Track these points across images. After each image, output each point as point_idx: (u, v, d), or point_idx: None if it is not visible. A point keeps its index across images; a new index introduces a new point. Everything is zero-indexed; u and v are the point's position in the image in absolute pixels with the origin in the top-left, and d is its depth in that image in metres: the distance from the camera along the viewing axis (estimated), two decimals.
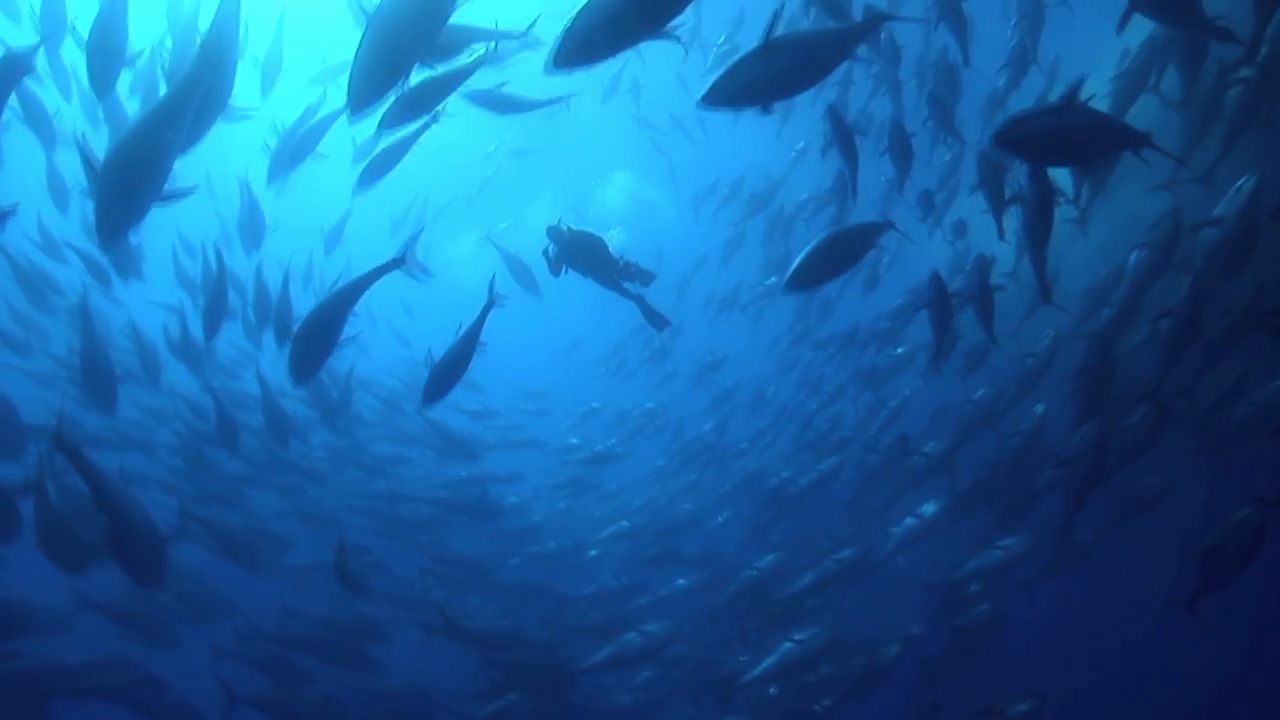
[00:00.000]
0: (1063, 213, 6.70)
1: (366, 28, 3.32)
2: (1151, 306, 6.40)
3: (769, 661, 7.63)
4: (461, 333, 4.95)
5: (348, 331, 4.60)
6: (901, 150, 6.10)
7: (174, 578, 7.66)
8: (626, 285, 5.87)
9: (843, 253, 4.24)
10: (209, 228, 9.64)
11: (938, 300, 5.17)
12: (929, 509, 8.46)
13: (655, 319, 5.93)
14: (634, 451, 14.36)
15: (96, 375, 6.09)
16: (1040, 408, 7.84)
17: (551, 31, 3.18)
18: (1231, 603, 5.39)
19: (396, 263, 4.41)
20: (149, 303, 9.10)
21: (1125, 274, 6.59)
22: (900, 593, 8.90)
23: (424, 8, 3.36)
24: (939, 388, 9.44)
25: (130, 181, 3.52)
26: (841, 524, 9.69)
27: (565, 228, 5.79)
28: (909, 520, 8.44)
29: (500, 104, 6.04)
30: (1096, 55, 7.47)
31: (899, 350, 10.45)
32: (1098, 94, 6.89)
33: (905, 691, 8.41)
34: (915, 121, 6.67)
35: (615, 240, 6.00)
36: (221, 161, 8.82)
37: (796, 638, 7.58)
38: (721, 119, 13.32)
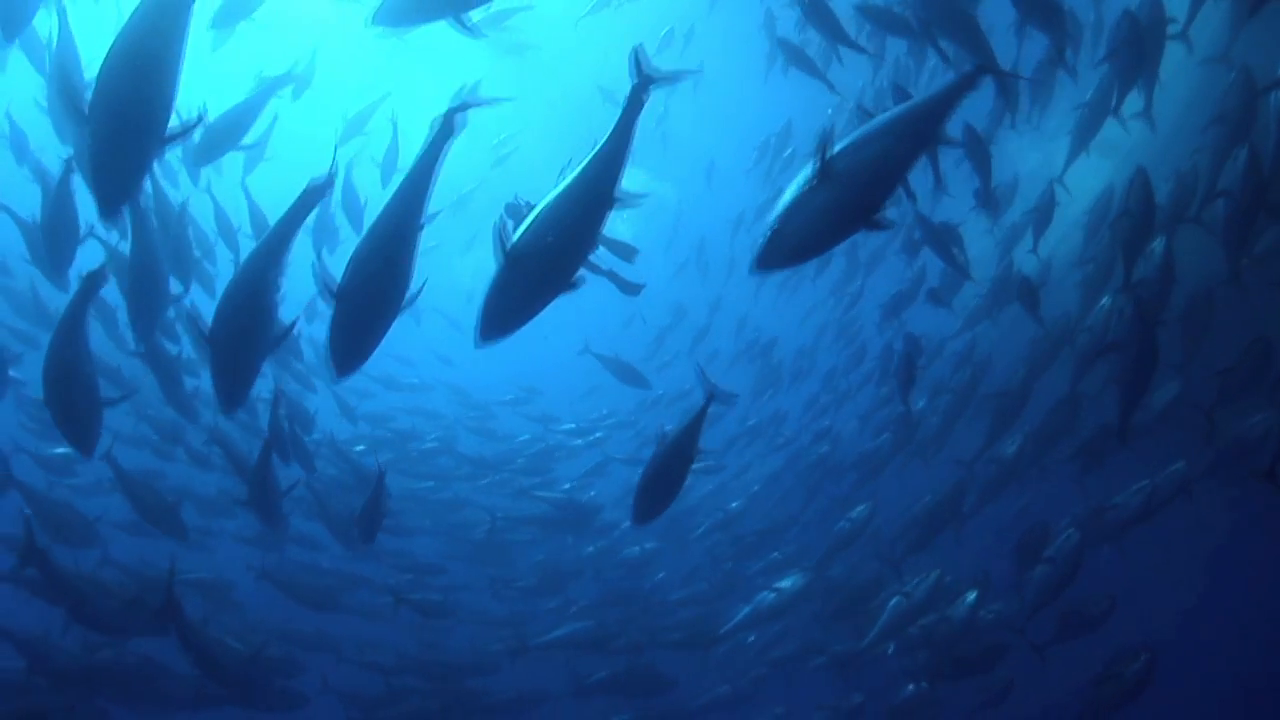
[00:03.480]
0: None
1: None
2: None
3: (883, 619, 7.58)
4: (368, 495, 5.82)
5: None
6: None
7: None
8: (594, 260, 5.59)
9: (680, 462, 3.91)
10: None
11: None
12: (1009, 450, 8.05)
13: (627, 287, 5.70)
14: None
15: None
16: (1106, 300, 7.35)
17: None
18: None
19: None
20: None
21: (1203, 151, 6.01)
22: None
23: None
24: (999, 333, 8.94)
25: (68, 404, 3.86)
26: (921, 479, 9.29)
27: (524, 203, 5.54)
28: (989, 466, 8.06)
29: None
30: None
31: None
32: None
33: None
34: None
35: (622, 232, 5.74)
36: None
37: (904, 590, 7.43)
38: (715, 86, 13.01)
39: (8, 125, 7.27)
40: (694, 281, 14.66)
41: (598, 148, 2.86)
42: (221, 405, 3.52)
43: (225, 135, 5.89)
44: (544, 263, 2.78)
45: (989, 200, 6.75)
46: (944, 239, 6.76)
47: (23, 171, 7.08)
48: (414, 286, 3.06)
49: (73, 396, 3.84)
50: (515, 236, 2.77)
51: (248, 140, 6.75)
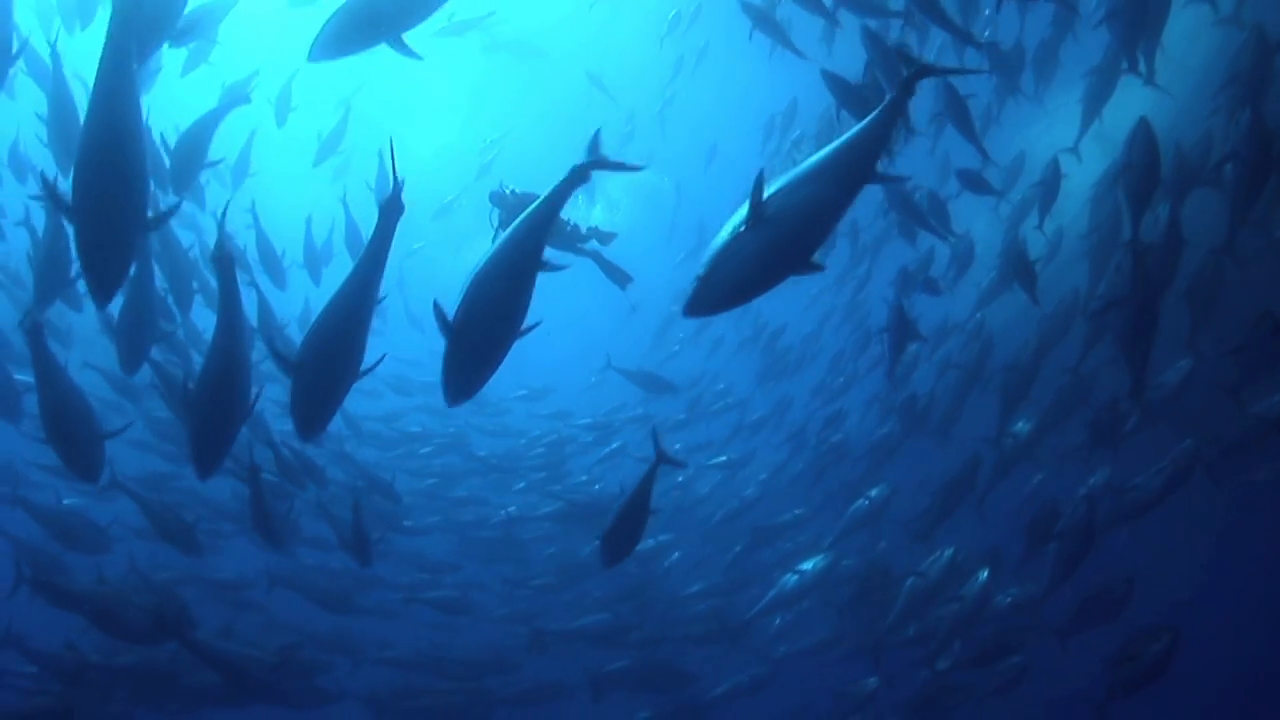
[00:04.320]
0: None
1: None
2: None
3: (901, 601, 7.62)
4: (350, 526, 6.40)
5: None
6: None
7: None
8: (582, 245, 5.64)
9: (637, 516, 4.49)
10: None
11: None
12: (1023, 427, 7.96)
13: (616, 275, 5.72)
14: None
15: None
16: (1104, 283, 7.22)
17: None
18: None
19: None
20: None
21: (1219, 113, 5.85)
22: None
23: None
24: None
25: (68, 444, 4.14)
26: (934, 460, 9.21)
27: (508, 191, 5.55)
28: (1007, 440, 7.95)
29: None
30: None
31: None
32: None
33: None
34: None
35: (598, 217, 5.75)
36: None
37: (918, 570, 7.45)
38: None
39: (8, 150, 7.32)
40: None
41: (525, 214, 2.96)
42: (197, 471, 3.71)
43: (192, 156, 5.85)
44: (484, 331, 2.91)
45: (982, 174, 6.68)
46: (912, 206, 6.68)
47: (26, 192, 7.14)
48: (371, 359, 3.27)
49: (72, 434, 4.09)
50: (455, 310, 2.89)
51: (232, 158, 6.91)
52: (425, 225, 14.81)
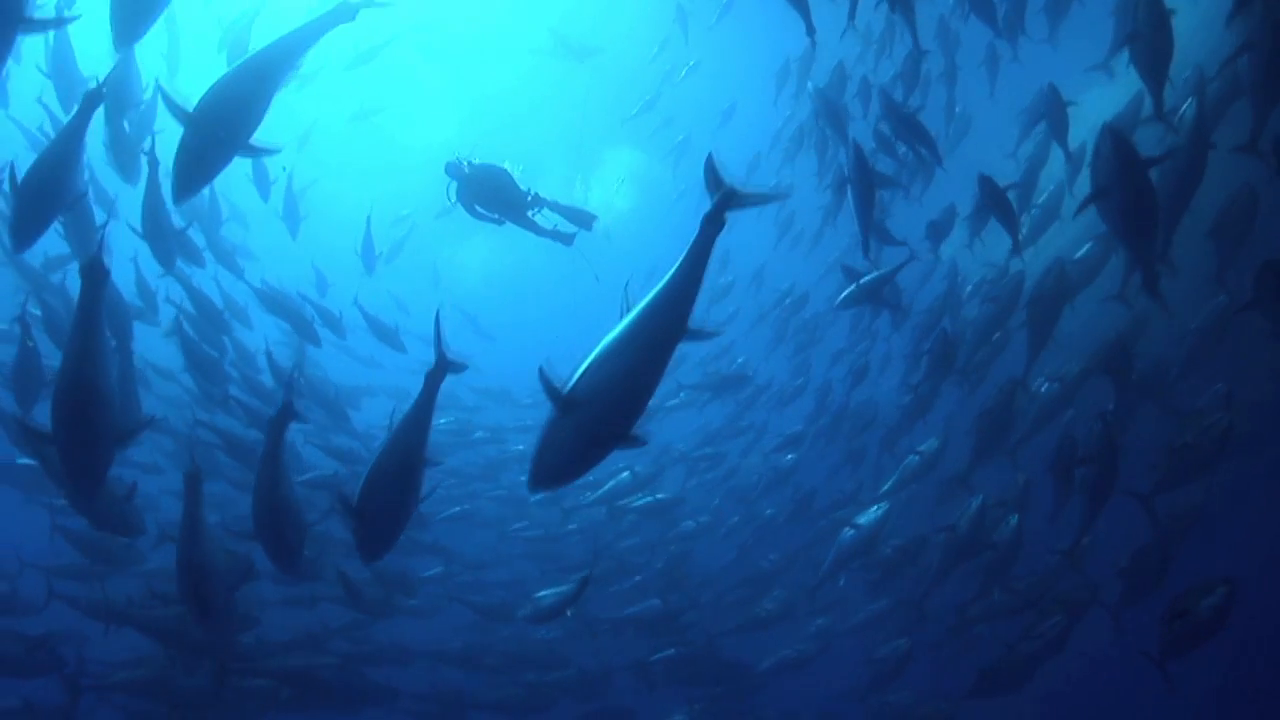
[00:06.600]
0: None
1: None
2: None
3: (937, 559, 7.55)
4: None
5: None
6: None
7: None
8: (532, 215, 5.60)
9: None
10: None
11: None
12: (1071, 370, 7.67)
13: (560, 237, 5.77)
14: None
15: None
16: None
17: None
18: None
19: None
20: None
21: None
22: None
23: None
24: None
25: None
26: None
27: (465, 162, 5.44)
28: (1049, 386, 7.64)
29: None
30: None
31: None
32: None
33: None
34: None
35: (621, 207, 5.70)
36: None
37: (947, 525, 7.37)
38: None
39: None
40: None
41: (406, 418, 3.42)
42: (196, 619, 4.42)
43: (157, 232, 5.90)
44: (382, 514, 3.47)
45: (916, 117, 6.50)
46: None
47: None
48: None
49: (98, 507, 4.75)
50: (356, 496, 3.45)
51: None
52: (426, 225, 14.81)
